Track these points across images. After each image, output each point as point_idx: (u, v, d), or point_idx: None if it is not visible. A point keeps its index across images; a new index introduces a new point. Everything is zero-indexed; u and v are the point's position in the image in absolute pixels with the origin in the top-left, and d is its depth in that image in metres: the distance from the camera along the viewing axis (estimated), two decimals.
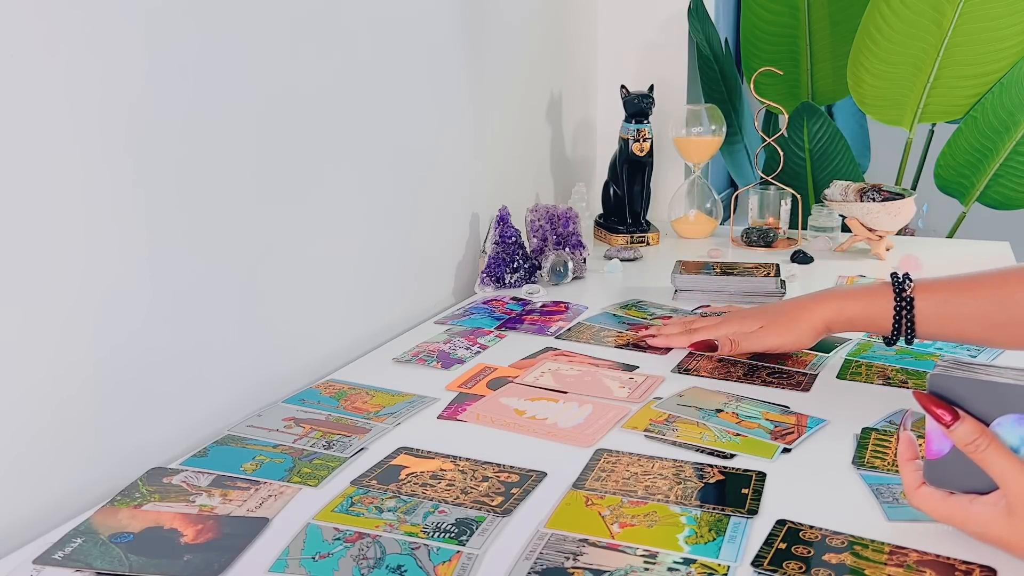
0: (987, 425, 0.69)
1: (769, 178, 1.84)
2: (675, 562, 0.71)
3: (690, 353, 1.18)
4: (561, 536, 0.75)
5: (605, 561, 0.71)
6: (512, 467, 0.87)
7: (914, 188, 2.22)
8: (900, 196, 1.66)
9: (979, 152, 2.10)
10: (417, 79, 1.33)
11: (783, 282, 1.44)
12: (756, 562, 0.71)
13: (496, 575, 0.70)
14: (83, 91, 0.80)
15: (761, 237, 1.78)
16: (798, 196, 1.82)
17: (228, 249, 0.99)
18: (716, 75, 2.22)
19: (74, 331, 0.81)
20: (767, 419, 0.97)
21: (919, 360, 1.14)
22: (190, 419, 0.96)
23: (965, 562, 0.70)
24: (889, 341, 1.05)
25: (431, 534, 0.75)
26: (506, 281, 1.47)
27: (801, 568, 0.70)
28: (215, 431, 0.97)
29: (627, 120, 1.75)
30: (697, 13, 2.09)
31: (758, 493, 0.81)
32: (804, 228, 1.91)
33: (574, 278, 1.54)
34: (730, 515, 0.78)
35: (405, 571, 0.70)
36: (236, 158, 0.99)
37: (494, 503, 0.80)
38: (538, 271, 1.52)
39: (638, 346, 1.21)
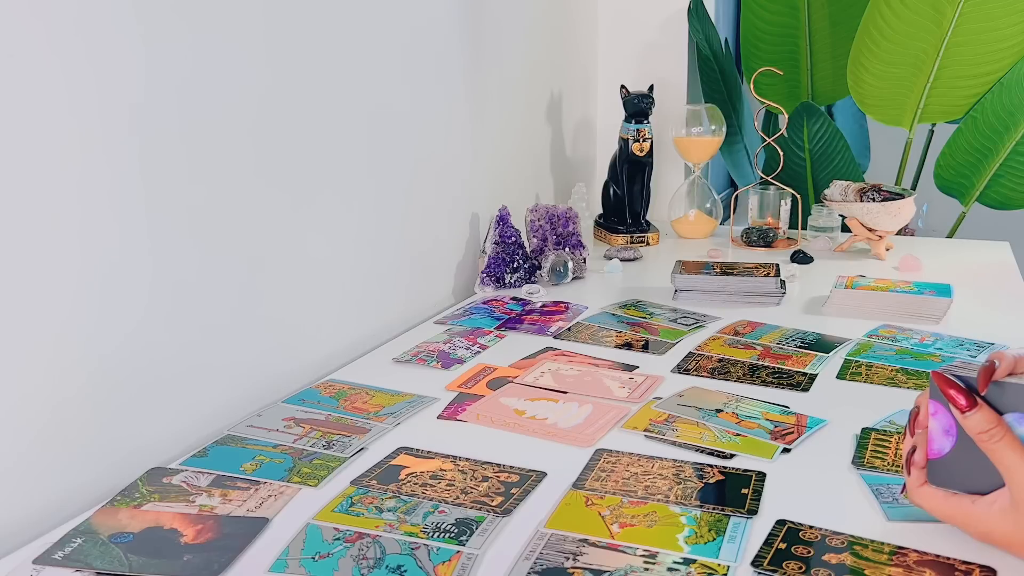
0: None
1: (769, 178, 1.84)
2: (675, 562, 0.71)
3: (689, 353, 1.18)
4: (561, 536, 0.75)
5: (605, 561, 0.71)
6: (512, 467, 0.87)
7: (914, 188, 2.22)
8: (900, 196, 1.66)
9: (979, 152, 2.10)
10: (418, 79, 1.33)
11: (783, 282, 1.43)
12: (756, 562, 0.71)
13: (496, 575, 0.70)
14: (82, 88, 0.80)
15: (761, 237, 1.78)
16: (798, 196, 1.82)
17: (227, 249, 0.99)
18: (716, 75, 2.22)
19: (74, 332, 0.81)
20: (767, 419, 0.97)
21: (919, 360, 1.14)
22: (190, 419, 0.96)
23: (965, 562, 0.70)
24: None
25: (431, 534, 0.75)
26: (506, 281, 1.47)
27: (801, 568, 0.69)
28: (215, 431, 0.97)
29: (627, 120, 1.75)
30: (697, 13, 2.09)
31: (758, 493, 0.81)
32: (804, 228, 1.91)
33: (574, 278, 1.54)
34: (730, 515, 0.77)
35: (405, 571, 0.70)
36: (236, 159, 0.99)
37: (494, 503, 0.80)
38: (538, 271, 1.52)
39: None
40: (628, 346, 1.22)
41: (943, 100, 2.07)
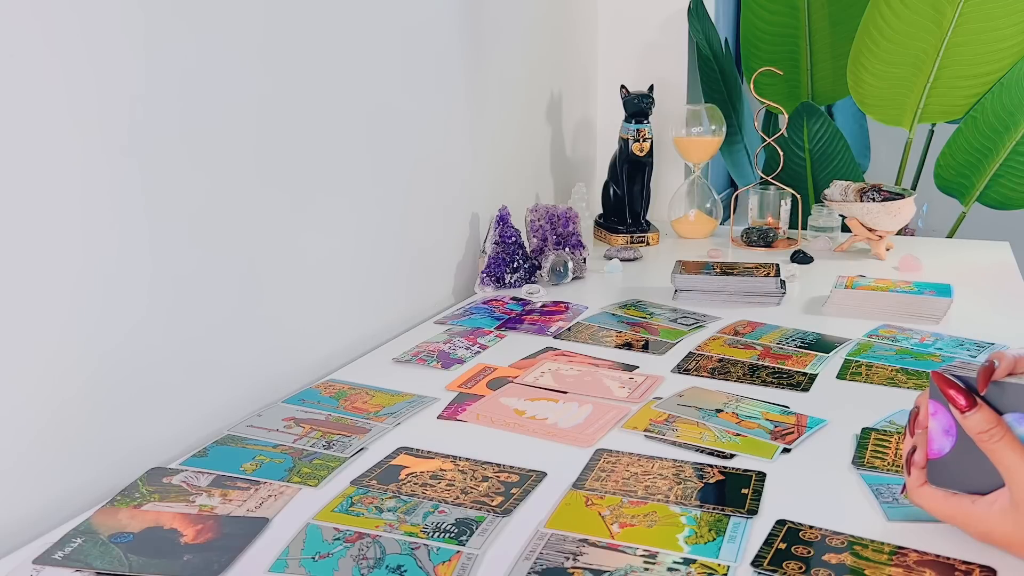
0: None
1: (769, 178, 1.84)
2: (675, 562, 0.71)
3: (689, 353, 1.18)
4: (561, 536, 0.75)
5: (605, 561, 0.71)
6: (512, 467, 0.87)
7: (914, 188, 2.22)
8: (900, 196, 1.66)
9: (979, 152, 2.10)
10: (418, 79, 1.33)
11: (783, 282, 1.43)
12: (756, 562, 0.71)
13: (496, 575, 0.70)
14: (82, 89, 0.80)
15: (761, 237, 1.78)
16: (798, 196, 1.82)
17: (227, 249, 0.99)
18: (716, 75, 2.22)
19: (74, 332, 0.81)
20: (767, 419, 0.97)
21: (919, 360, 1.14)
22: (190, 419, 0.96)
23: (965, 562, 0.70)
24: None
25: (431, 534, 0.75)
26: (506, 281, 1.47)
27: (801, 568, 0.69)
28: (215, 431, 0.97)
29: (627, 120, 1.75)
30: (697, 13, 2.09)
31: (758, 493, 0.81)
32: (804, 228, 1.91)
33: (574, 278, 1.54)
34: (730, 515, 0.77)
35: (405, 571, 0.70)
36: (236, 159, 0.99)
37: (494, 503, 0.80)
38: (538, 271, 1.52)
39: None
40: (628, 346, 1.22)
41: (943, 100, 2.07)
